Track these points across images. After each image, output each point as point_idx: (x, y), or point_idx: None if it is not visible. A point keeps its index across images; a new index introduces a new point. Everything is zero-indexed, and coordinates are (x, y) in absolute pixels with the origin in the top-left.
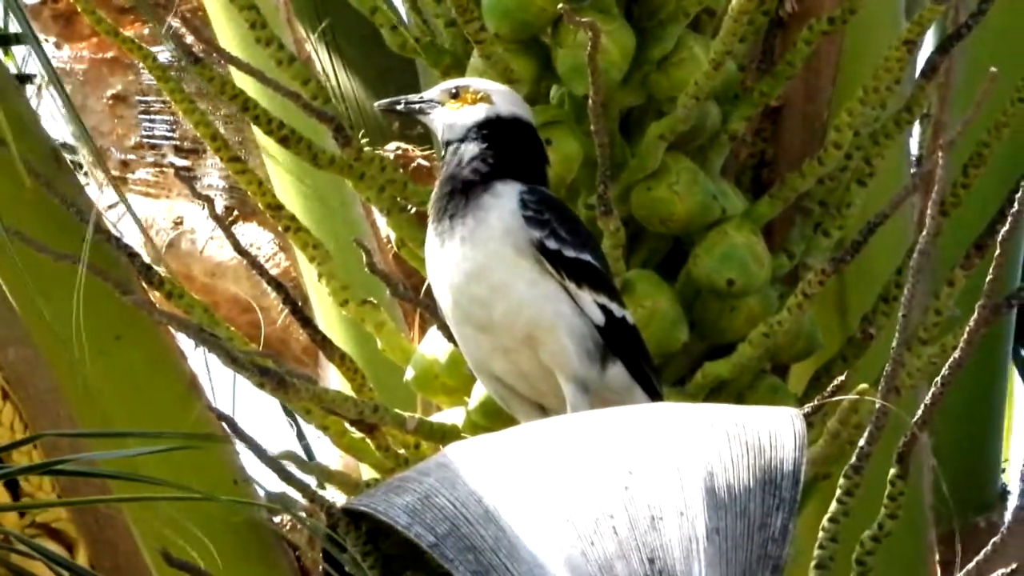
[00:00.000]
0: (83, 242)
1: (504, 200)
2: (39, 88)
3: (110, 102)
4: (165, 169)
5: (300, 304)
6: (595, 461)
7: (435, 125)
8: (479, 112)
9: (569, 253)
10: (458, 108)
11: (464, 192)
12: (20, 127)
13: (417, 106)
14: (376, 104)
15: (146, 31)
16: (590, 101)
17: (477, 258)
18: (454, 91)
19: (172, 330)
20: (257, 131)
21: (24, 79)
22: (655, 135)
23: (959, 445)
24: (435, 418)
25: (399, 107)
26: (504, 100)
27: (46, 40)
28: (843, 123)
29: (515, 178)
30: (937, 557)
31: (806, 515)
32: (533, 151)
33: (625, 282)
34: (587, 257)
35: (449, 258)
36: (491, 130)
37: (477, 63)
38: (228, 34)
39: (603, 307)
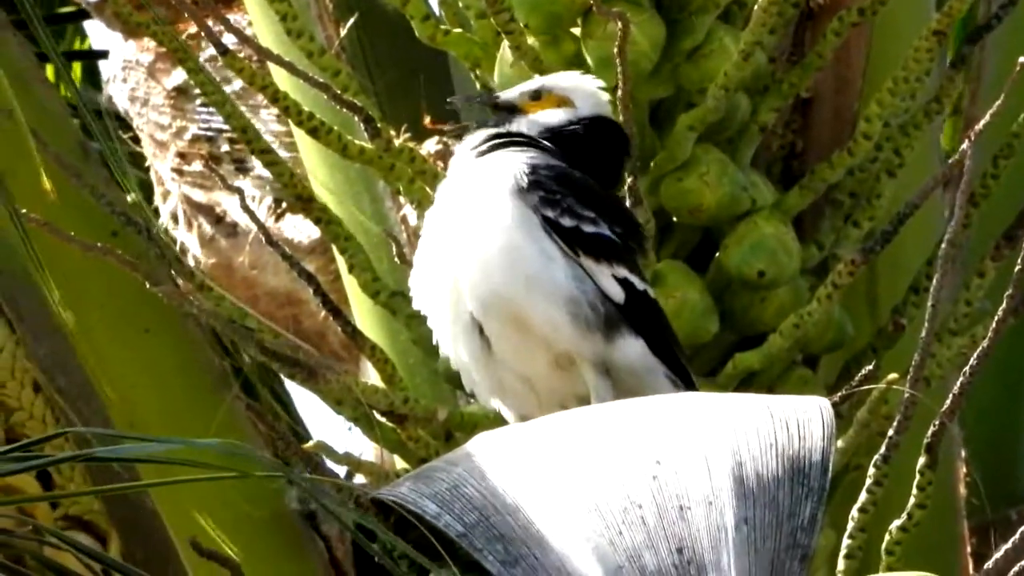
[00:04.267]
0: (111, 234)
1: (518, 162)
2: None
3: (173, 94)
4: (220, 160)
5: (336, 297)
6: (623, 450)
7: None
8: (558, 116)
9: (588, 229)
10: (537, 112)
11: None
12: (47, 118)
13: (497, 118)
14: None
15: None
16: (619, 92)
17: (469, 211)
18: (535, 93)
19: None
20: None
21: (42, 58)
22: (685, 126)
23: (992, 438)
24: (466, 409)
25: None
26: (587, 101)
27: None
28: (873, 114)
29: (561, 158)
30: (969, 549)
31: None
32: (605, 148)
33: (655, 273)
34: (605, 231)
35: (445, 206)
36: (567, 131)
37: (507, 54)
38: (264, 29)
39: (623, 280)
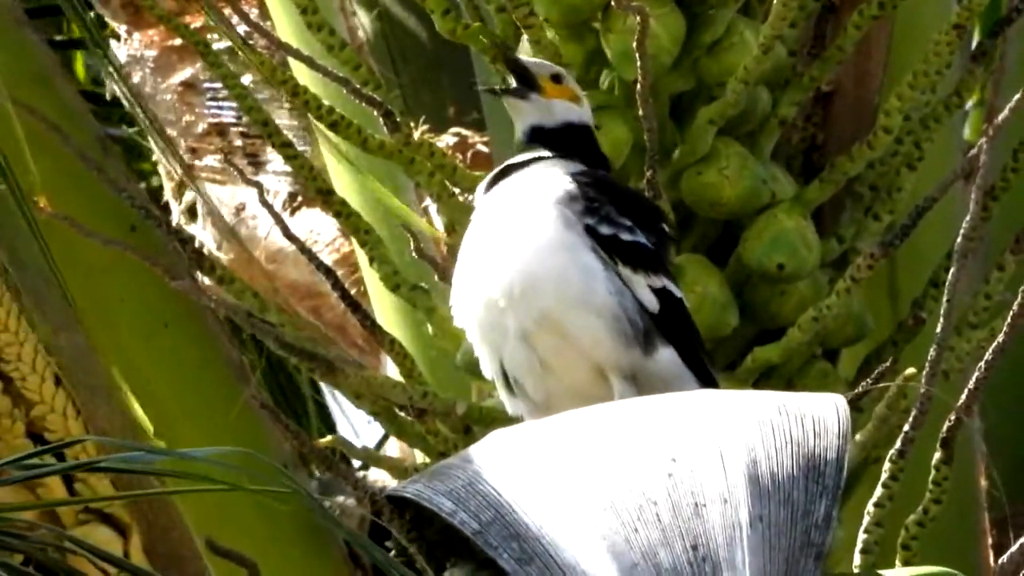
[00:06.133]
0: (130, 228)
1: (558, 173)
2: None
3: (179, 89)
4: (233, 155)
5: (356, 290)
6: (638, 448)
7: (528, 106)
8: (576, 113)
9: (625, 237)
10: (557, 99)
11: (526, 163)
12: (67, 113)
13: (517, 88)
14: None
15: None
16: (639, 86)
17: (513, 223)
18: (555, 76)
19: (220, 317)
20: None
21: (60, 45)
22: (705, 120)
23: (1013, 431)
24: (485, 403)
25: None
26: (588, 109)
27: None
28: (893, 107)
29: (582, 162)
30: (990, 541)
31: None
32: (602, 158)
33: (675, 267)
34: (642, 239)
35: (486, 218)
36: (578, 131)
37: (527, 48)
38: (283, 22)
39: (661, 290)
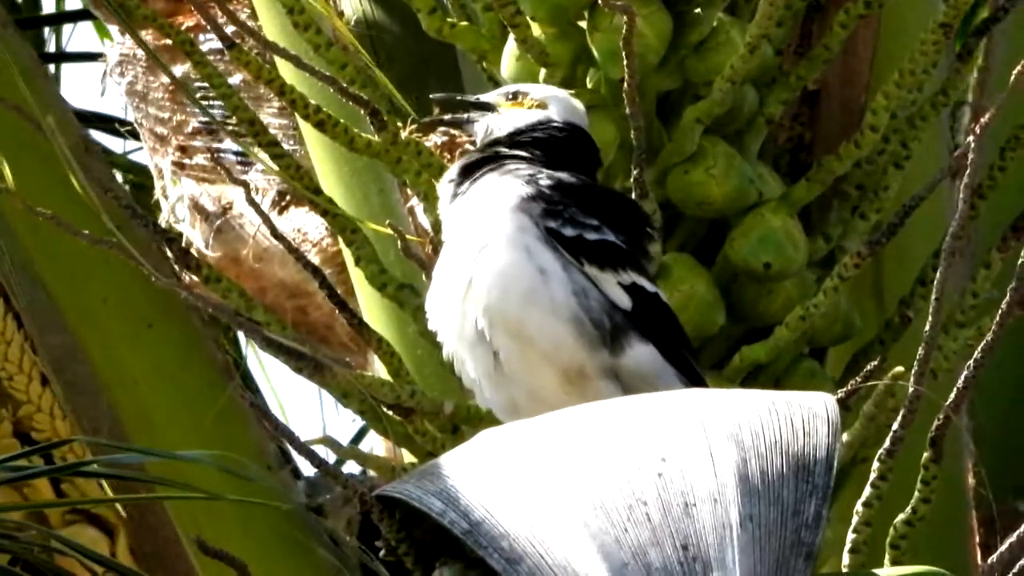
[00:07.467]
0: (115, 228)
1: (515, 178)
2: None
3: (171, 87)
4: (223, 154)
5: (343, 289)
6: (628, 447)
7: (482, 127)
8: (532, 115)
9: (591, 236)
10: (511, 110)
11: (485, 164)
12: (50, 112)
13: (465, 116)
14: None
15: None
16: (625, 85)
17: (473, 230)
18: (512, 95)
19: (204, 317)
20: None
21: (50, 58)
22: (692, 119)
23: (1001, 429)
24: (473, 402)
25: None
26: (561, 108)
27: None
28: (879, 106)
29: (543, 165)
30: (978, 540)
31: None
32: (580, 154)
33: (662, 266)
34: (610, 237)
35: (453, 227)
36: (540, 133)
37: (513, 48)
38: (269, 21)
39: (631, 286)
